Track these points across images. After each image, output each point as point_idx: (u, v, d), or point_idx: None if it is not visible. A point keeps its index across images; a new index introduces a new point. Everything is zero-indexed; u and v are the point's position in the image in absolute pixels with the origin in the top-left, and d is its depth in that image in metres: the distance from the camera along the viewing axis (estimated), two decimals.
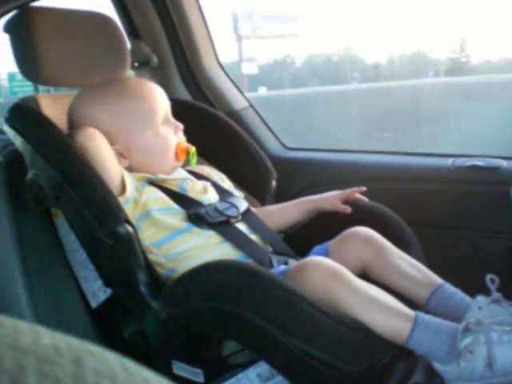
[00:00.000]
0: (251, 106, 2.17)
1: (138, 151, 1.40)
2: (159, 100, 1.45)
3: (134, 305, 1.26)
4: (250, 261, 1.34)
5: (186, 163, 1.52)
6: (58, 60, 1.49)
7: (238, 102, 2.14)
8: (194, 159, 1.50)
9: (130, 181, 1.31)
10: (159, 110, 1.43)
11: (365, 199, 1.54)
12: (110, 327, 1.38)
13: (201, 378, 1.23)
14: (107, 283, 1.31)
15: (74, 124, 1.40)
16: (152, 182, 1.38)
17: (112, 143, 1.35)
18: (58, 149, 1.27)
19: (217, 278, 1.16)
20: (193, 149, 1.49)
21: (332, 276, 1.16)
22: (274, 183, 1.72)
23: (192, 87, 2.10)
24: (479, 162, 1.78)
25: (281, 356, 1.10)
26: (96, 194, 1.22)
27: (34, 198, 1.32)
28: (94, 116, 1.38)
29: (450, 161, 1.83)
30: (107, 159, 1.29)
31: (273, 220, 1.57)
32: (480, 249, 1.77)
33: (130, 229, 1.23)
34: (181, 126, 1.47)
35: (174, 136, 1.45)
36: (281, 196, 1.76)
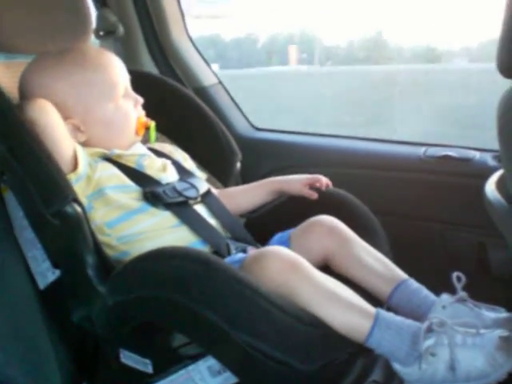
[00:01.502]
0: (220, 82, 2.10)
1: (97, 125, 1.32)
2: (120, 72, 1.37)
3: (81, 289, 1.20)
4: (206, 247, 1.28)
5: (146, 140, 1.45)
6: (15, 24, 1.39)
7: (207, 78, 2.07)
8: (153, 134, 1.43)
9: (82, 156, 1.23)
10: (120, 83, 1.36)
11: (324, 188, 1.48)
12: (58, 310, 1.31)
13: (149, 369, 1.18)
14: (55, 264, 1.24)
15: (26, 94, 1.31)
16: (107, 158, 1.30)
17: (68, 116, 1.28)
18: (4, 120, 1.18)
19: (166, 266, 1.09)
20: (152, 123, 1.42)
21: (290, 267, 1.10)
22: (238, 165, 1.66)
23: (159, 60, 2.03)
24: (451, 153, 1.74)
25: (230, 352, 1.05)
26: (43, 170, 1.14)
27: None
28: (50, 86, 1.29)
29: (421, 150, 1.79)
30: (58, 134, 1.21)
31: (235, 201, 1.52)
32: (448, 242, 1.74)
33: (78, 209, 1.15)
34: (141, 99, 1.40)
35: (133, 110, 1.38)
36: (247, 178, 1.71)
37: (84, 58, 1.34)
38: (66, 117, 1.26)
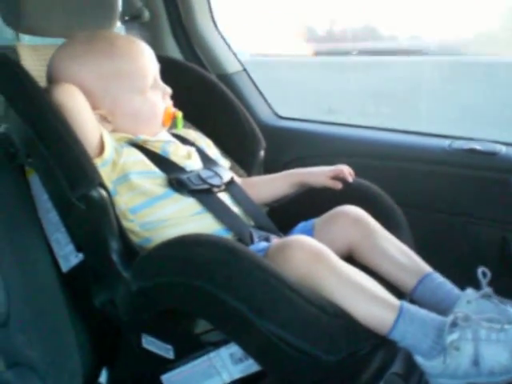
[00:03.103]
0: (244, 70, 2.09)
1: (124, 116, 1.32)
2: (149, 63, 1.36)
3: (105, 273, 1.20)
4: (229, 235, 1.27)
5: (172, 127, 1.44)
6: (43, 7, 1.39)
7: (231, 64, 2.06)
8: (180, 124, 1.43)
9: (108, 141, 1.23)
10: (149, 74, 1.34)
11: (351, 179, 1.47)
12: (80, 294, 1.31)
13: (171, 355, 1.18)
14: (79, 248, 1.24)
15: (54, 79, 1.31)
16: (133, 143, 1.30)
17: (96, 107, 1.27)
18: (31, 103, 1.17)
19: (191, 253, 1.08)
20: (180, 114, 1.41)
21: (315, 257, 1.10)
22: (262, 153, 1.65)
23: (184, 46, 2.02)
24: (477, 146, 1.72)
25: (254, 340, 1.04)
26: (69, 153, 1.13)
27: (6, 154, 1.24)
28: (78, 76, 1.27)
29: (447, 142, 1.78)
30: (85, 118, 1.20)
31: (258, 191, 1.51)
32: (471, 236, 1.73)
33: (104, 193, 1.15)
34: (169, 90, 1.39)
35: (161, 101, 1.37)
36: (269, 166, 1.70)
37: (113, 48, 1.32)
38: (93, 107, 1.25)
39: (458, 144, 1.76)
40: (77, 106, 1.19)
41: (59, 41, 1.45)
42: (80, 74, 1.28)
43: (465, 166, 1.72)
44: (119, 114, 1.31)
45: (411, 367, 1.18)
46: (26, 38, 1.56)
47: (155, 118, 1.36)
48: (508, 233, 1.66)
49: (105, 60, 1.29)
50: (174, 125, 1.43)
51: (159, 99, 1.36)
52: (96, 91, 1.28)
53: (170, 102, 1.40)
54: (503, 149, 1.69)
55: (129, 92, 1.31)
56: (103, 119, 1.29)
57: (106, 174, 1.21)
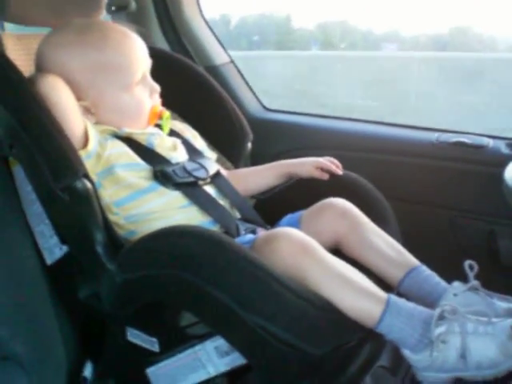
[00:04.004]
0: (232, 61, 2.08)
1: (108, 110, 1.29)
2: (140, 59, 1.32)
3: (89, 266, 1.18)
4: (215, 227, 1.26)
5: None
6: None
7: (219, 56, 2.05)
8: (166, 127, 1.40)
9: (93, 134, 1.21)
10: (138, 70, 1.31)
11: (340, 172, 1.46)
12: (65, 286, 1.30)
13: (156, 348, 1.17)
14: (63, 240, 1.23)
15: (41, 67, 1.28)
16: (117, 136, 1.28)
17: (80, 98, 1.25)
18: (16, 92, 1.15)
19: (176, 245, 1.07)
20: (167, 113, 1.39)
21: (302, 250, 1.09)
22: (249, 145, 1.64)
23: (171, 37, 2.01)
24: (465, 139, 1.72)
25: (239, 333, 1.03)
26: (53, 144, 1.12)
27: None
28: (66, 65, 1.25)
29: (434, 135, 1.78)
30: (69, 109, 1.18)
31: (245, 183, 1.50)
32: (458, 229, 1.73)
33: (88, 184, 1.13)
34: (157, 88, 1.36)
35: (148, 99, 1.34)
36: (257, 159, 1.69)
37: (104, 41, 1.28)
38: (78, 97, 1.23)
39: (445, 137, 1.76)
40: (61, 99, 1.17)
41: (44, 30, 1.43)
42: (68, 64, 1.25)
43: (452, 159, 1.72)
44: (103, 107, 1.28)
45: (398, 360, 1.17)
46: (9, 27, 1.53)
47: (140, 115, 1.33)
48: (495, 226, 1.67)
49: (94, 52, 1.27)
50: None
51: (146, 96, 1.34)
52: (82, 82, 1.25)
53: (157, 100, 1.38)
54: (491, 142, 1.69)
55: (115, 87, 1.29)
56: (87, 111, 1.27)
57: (91, 166, 1.19)
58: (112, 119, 1.29)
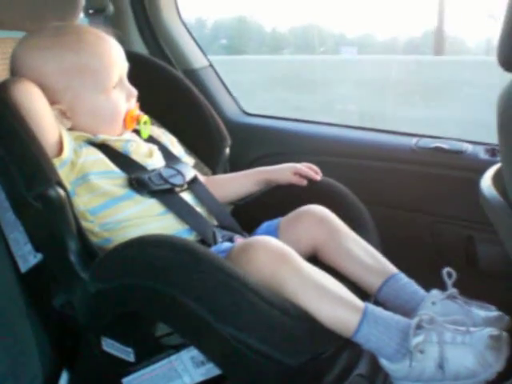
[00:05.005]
0: (211, 65, 2.06)
1: (84, 114, 1.27)
2: (117, 62, 1.31)
3: (63, 274, 1.16)
4: (192, 235, 1.25)
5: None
6: None
7: (197, 60, 2.03)
8: (145, 130, 1.38)
9: (67, 141, 1.19)
10: (114, 73, 1.30)
11: (318, 178, 1.46)
12: (39, 295, 1.28)
13: (131, 357, 1.16)
14: (37, 248, 1.21)
15: (16, 72, 1.26)
16: (91, 143, 1.26)
17: (55, 101, 1.23)
18: None
19: (150, 255, 1.05)
20: (145, 118, 1.37)
21: (278, 259, 1.08)
22: (227, 150, 1.63)
23: (149, 40, 1.99)
24: (443, 145, 1.72)
25: (214, 344, 1.02)
26: (26, 151, 1.09)
27: None
28: (41, 68, 1.23)
29: (413, 140, 1.77)
30: (43, 118, 1.16)
31: (223, 190, 1.48)
32: (436, 234, 1.73)
33: (61, 192, 1.11)
34: (135, 92, 1.34)
35: (125, 102, 1.33)
36: (235, 164, 1.68)
37: (80, 43, 1.27)
38: (53, 101, 1.22)
39: (424, 142, 1.75)
40: (35, 106, 1.15)
41: (19, 34, 1.41)
42: (43, 67, 1.23)
43: (431, 164, 1.72)
44: (79, 111, 1.26)
45: (376, 368, 1.16)
46: None
47: (116, 118, 1.31)
48: (474, 232, 1.66)
49: (70, 54, 1.25)
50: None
51: (122, 100, 1.32)
52: (57, 85, 1.24)
53: (134, 104, 1.36)
54: (469, 147, 1.69)
55: (91, 89, 1.27)
56: (62, 115, 1.25)
57: (65, 174, 1.17)
58: (88, 123, 1.28)
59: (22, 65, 1.25)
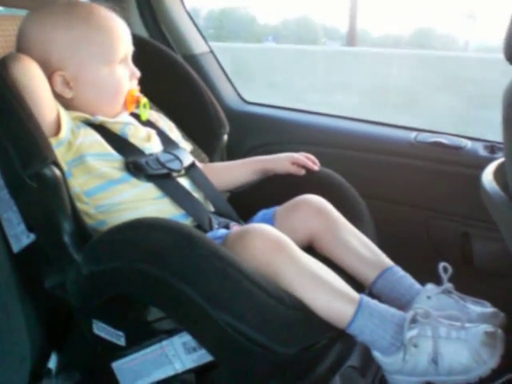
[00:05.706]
0: (211, 52, 2.04)
1: (86, 85, 1.26)
2: (124, 38, 1.31)
3: (56, 255, 1.15)
4: (188, 220, 1.24)
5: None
6: None
7: (198, 45, 2.02)
8: (145, 113, 1.37)
9: (65, 121, 1.18)
10: (121, 48, 1.29)
11: (316, 168, 1.45)
12: (31, 275, 1.26)
13: (122, 342, 1.14)
14: (30, 228, 1.19)
15: (22, 48, 1.25)
16: (90, 124, 1.25)
17: (61, 68, 1.23)
18: None
19: (145, 238, 1.04)
20: (144, 100, 1.36)
21: (274, 247, 1.07)
22: (225, 137, 1.62)
23: (150, 24, 1.97)
24: (443, 140, 1.71)
25: (207, 330, 1.01)
26: (22, 129, 1.08)
27: None
28: (50, 35, 1.23)
29: (412, 134, 1.76)
30: (41, 96, 1.15)
31: (219, 178, 1.47)
32: (433, 230, 1.72)
33: (57, 172, 1.10)
34: (138, 73, 1.34)
35: (127, 81, 1.32)
36: (233, 151, 1.67)
37: (90, 16, 1.27)
38: (58, 68, 1.22)
39: (423, 137, 1.75)
40: (33, 83, 1.14)
41: (19, 12, 1.39)
42: (52, 33, 1.23)
43: (429, 159, 1.71)
44: (82, 81, 1.25)
45: (368, 360, 1.16)
46: None
47: (117, 95, 1.30)
48: (470, 228, 1.66)
49: (80, 24, 1.25)
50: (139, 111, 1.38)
51: (126, 78, 1.31)
52: (64, 52, 1.23)
53: (136, 86, 1.35)
54: (468, 143, 1.69)
55: (97, 60, 1.26)
56: (65, 83, 1.24)
57: (61, 154, 1.16)
58: (89, 96, 1.27)
59: (30, 33, 1.25)
